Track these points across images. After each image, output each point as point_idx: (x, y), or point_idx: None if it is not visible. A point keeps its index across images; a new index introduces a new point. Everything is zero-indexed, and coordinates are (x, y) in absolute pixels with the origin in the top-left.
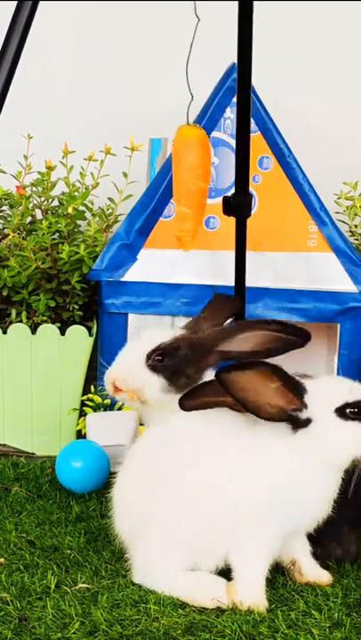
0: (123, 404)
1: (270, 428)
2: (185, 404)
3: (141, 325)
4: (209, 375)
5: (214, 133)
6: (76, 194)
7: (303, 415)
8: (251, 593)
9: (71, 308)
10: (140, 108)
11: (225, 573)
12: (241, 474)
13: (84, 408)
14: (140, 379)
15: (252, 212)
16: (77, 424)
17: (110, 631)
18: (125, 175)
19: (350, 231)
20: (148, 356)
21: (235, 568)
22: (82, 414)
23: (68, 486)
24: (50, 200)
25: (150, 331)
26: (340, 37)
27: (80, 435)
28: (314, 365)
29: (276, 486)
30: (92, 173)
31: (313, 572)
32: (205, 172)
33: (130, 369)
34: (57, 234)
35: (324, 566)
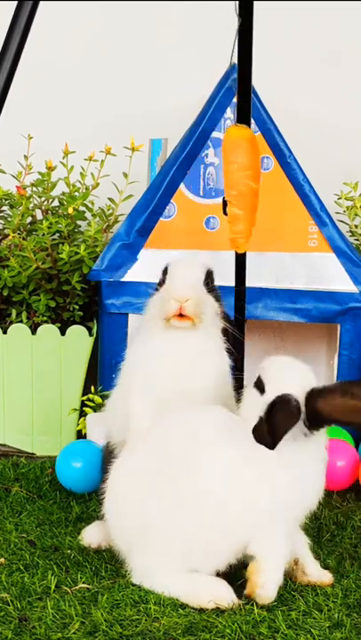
0: None
1: None
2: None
3: (142, 325)
4: None
5: (214, 133)
6: (76, 194)
7: None
8: (273, 582)
9: (71, 309)
10: (140, 108)
11: (224, 575)
12: (253, 475)
13: (85, 408)
14: (204, 301)
15: None
16: (77, 424)
17: (110, 631)
18: (126, 175)
19: (350, 231)
20: (205, 281)
21: (259, 556)
22: (82, 414)
23: (68, 486)
24: (50, 200)
25: (181, 267)
26: (341, 38)
27: (80, 435)
28: (314, 366)
29: (287, 487)
30: (92, 174)
31: (316, 572)
32: (256, 173)
33: (199, 295)
34: (57, 234)
35: (324, 566)
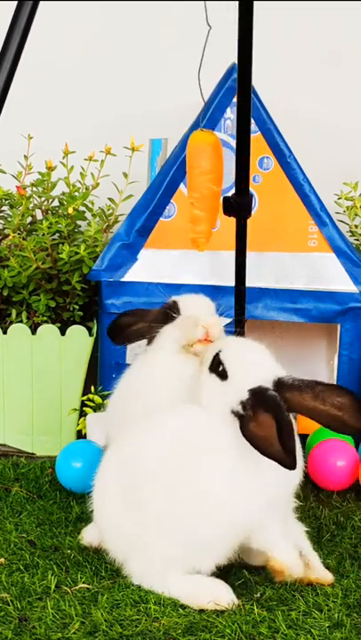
0: None
1: None
2: None
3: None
4: None
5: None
6: (76, 194)
7: None
8: (292, 561)
9: (71, 309)
10: (140, 108)
11: (223, 575)
12: (243, 472)
13: (85, 408)
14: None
15: (253, 212)
16: (77, 424)
17: (110, 631)
18: (126, 175)
19: (350, 231)
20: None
21: (268, 548)
22: (82, 414)
23: (68, 486)
24: (50, 200)
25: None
26: (341, 38)
27: (80, 435)
28: (314, 365)
29: (272, 475)
30: (92, 174)
31: (319, 566)
32: (218, 176)
33: (219, 321)
34: (57, 234)
35: (324, 566)
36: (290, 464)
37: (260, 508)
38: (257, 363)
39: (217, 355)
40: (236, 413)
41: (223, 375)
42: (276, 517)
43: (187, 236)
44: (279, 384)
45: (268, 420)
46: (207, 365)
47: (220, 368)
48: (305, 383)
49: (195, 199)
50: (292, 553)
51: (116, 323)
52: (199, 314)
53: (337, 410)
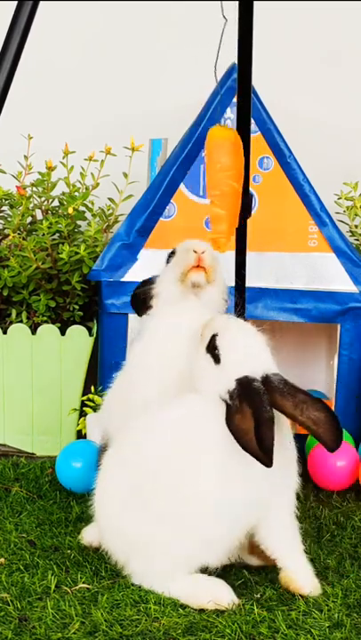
0: None
1: None
2: None
3: (142, 326)
4: None
5: None
6: (76, 194)
7: None
8: (310, 583)
9: (71, 309)
10: (140, 107)
11: (222, 575)
12: (242, 469)
13: (85, 408)
14: (217, 259)
15: (253, 212)
16: (77, 424)
17: (110, 631)
18: (126, 175)
19: (350, 231)
20: None
21: (280, 557)
22: (82, 414)
23: (68, 486)
24: (50, 200)
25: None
26: (341, 38)
27: (80, 435)
28: (314, 366)
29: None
30: (92, 174)
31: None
32: (238, 173)
33: (214, 254)
34: (57, 234)
35: (324, 566)
36: (265, 462)
37: (251, 503)
38: (250, 354)
39: (213, 337)
40: (225, 402)
41: (217, 359)
42: (274, 510)
43: (186, 236)
44: (266, 382)
45: (250, 413)
46: (204, 344)
47: (215, 351)
48: (288, 389)
49: (215, 197)
50: (306, 568)
51: (132, 296)
52: (195, 241)
53: (312, 423)
